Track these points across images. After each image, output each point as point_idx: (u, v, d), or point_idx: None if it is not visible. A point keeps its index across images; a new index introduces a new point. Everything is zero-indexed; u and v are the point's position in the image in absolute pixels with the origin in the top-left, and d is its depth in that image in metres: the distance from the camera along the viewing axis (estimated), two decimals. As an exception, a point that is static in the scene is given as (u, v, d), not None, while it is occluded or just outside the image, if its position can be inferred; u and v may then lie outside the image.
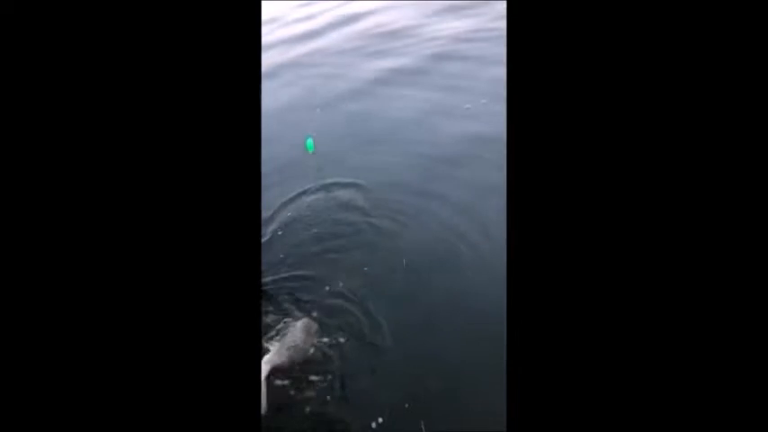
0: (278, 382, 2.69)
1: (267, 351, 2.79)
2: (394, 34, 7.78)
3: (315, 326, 2.97)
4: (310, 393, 2.63)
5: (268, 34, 9.06)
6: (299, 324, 2.97)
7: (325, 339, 2.90)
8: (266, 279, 3.40)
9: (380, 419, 2.44)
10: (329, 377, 2.69)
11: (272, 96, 6.32)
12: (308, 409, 2.57)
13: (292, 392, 2.65)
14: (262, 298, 3.22)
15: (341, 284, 3.27)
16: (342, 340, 2.89)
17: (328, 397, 2.60)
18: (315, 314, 3.07)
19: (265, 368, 2.61)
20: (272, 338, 2.92)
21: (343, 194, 4.21)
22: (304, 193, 4.28)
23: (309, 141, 3.99)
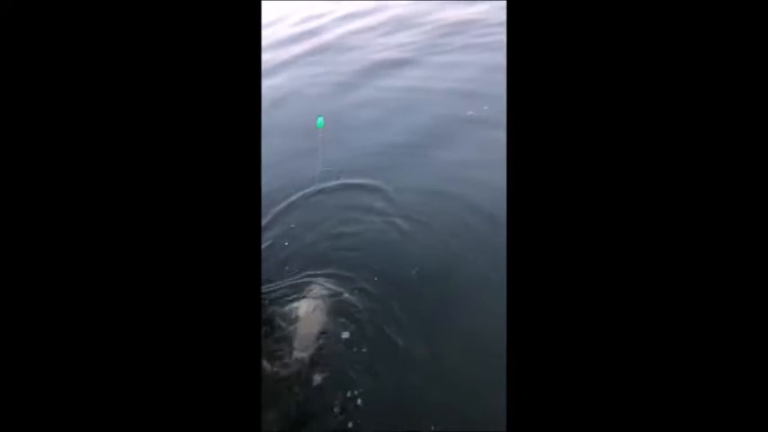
0: (279, 381, 2.69)
1: (271, 348, 2.80)
2: (398, 28, 7.81)
3: (317, 327, 2.97)
4: (312, 393, 2.64)
5: (271, 36, 9.10)
6: (304, 324, 2.97)
7: (330, 338, 2.90)
8: (275, 277, 3.40)
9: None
10: (332, 378, 2.69)
11: (279, 93, 6.40)
12: (309, 411, 2.57)
13: (293, 393, 2.65)
14: (263, 297, 3.23)
15: (350, 282, 3.27)
16: (349, 337, 2.89)
17: (334, 401, 2.59)
18: (322, 315, 3.06)
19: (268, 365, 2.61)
20: (275, 336, 2.93)
21: (354, 189, 4.24)
22: (311, 187, 4.30)
23: (320, 120, 4.03)
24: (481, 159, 4.23)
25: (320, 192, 4.27)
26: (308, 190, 4.29)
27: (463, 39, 7.02)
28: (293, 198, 4.22)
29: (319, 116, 3.97)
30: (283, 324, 3.02)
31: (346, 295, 3.17)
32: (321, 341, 2.89)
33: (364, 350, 2.81)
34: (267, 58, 8.06)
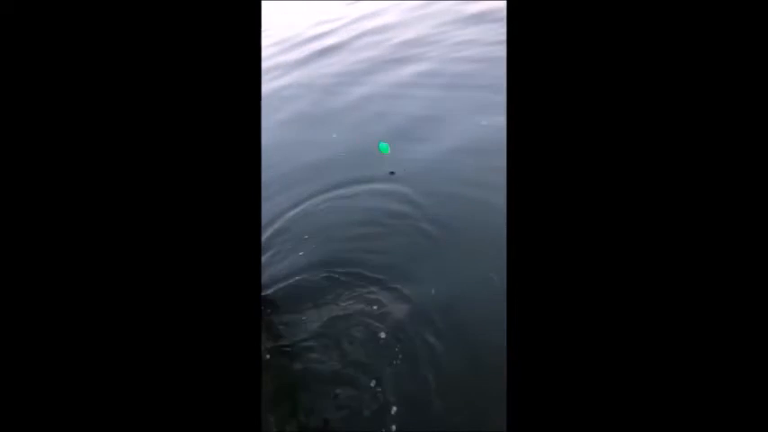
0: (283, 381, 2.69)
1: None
2: (411, 43, 7.84)
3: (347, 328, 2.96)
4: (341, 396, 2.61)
5: (288, 37, 9.17)
6: (332, 326, 2.96)
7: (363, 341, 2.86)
8: (297, 277, 3.41)
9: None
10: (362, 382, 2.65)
11: (289, 91, 6.46)
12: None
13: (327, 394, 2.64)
14: (285, 297, 3.24)
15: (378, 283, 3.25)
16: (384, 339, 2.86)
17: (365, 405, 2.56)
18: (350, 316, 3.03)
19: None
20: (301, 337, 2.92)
21: (381, 188, 4.24)
22: (331, 190, 4.32)
23: (383, 145, 4.09)
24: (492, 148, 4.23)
25: (336, 186, 4.29)
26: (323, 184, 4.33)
27: (475, 33, 7.04)
28: (307, 195, 4.25)
29: (381, 141, 4.05)
30: (309, 326, 3.01)
31: (375, 297, 3.14)
32: (351, 343, 2.85)
33: (400, 354, 2.75)
34: (282, 59, 8.16)
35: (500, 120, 4.70)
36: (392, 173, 4.19)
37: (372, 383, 2.59)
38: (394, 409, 2.46)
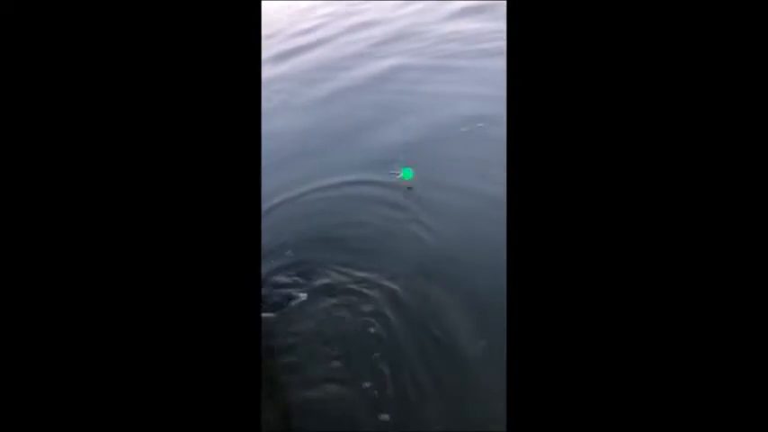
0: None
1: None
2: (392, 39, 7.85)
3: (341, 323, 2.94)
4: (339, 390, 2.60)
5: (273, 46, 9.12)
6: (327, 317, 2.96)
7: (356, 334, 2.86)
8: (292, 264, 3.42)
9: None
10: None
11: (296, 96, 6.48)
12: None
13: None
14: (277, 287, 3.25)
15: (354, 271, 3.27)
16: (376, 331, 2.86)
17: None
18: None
19: None
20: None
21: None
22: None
23: (407, 171, 4.15)
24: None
25: (316, 177, 4.33)
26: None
27: (456, 29, 7.11)
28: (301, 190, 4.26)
29: (404, 168, 4.10)
30: (303, 317, 3.01)
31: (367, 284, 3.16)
32: (343, 339, 2.84)
33: (395, 352, 2.74)
34: (265, 54, 8.09)
35: (478, 111, 4.85)
36: (409, 188, 4.12)
37: (366, 384, 2.58)
38: (386, 407, 2.45)
